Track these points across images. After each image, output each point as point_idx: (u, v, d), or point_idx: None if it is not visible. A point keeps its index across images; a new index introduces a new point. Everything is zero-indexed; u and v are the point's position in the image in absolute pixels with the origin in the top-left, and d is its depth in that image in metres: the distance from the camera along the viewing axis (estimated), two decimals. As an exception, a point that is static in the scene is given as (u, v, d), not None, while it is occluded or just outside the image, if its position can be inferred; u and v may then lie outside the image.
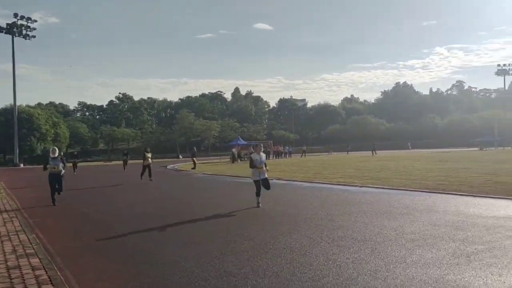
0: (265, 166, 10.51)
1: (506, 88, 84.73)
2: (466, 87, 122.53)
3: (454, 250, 5.62)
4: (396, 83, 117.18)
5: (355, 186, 14.57)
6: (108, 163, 59.97)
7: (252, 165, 10.28)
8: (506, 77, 73.36)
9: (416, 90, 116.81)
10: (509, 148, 62.03)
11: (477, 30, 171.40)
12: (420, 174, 17.69)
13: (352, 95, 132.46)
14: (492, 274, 4.54)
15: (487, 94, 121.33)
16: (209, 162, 45.55)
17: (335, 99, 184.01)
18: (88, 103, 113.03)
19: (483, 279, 4.40)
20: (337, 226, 7.59)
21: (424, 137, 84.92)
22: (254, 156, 10.39)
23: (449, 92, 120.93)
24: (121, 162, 33.68)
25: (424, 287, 4.25)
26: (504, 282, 4.29)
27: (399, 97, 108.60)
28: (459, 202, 9.99)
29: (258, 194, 10.30)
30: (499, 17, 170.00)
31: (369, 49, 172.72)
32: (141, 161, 20.88)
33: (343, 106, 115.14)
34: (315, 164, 32.08)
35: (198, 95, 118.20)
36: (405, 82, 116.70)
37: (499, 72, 72.22)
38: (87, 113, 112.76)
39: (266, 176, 10.46)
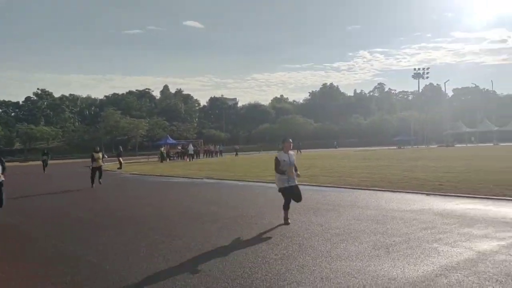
0: (295, 169, 7.77)
1: (421, 90, 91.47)
2: (386, 89, 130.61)
3: (375, 242, 5.94)
4: (323, 84, 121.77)
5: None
6: (24, 163, 55.80)
7: (278, 169, 7.45)
8: (421, 80, 79.05)
9: (342, 91, 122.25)
10: (423, 146, 67.11)
11: (396, 35, 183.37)
12: (345, 172, 18.52)
13: (281, 95, 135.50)
14: (408, 264, 4.86)
15: (405, 96, 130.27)
16: (136, 162, 44.15)
17: (265, 99, 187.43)
18: (2, 99, 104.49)
19: (401, 269, 4.69)
20: (266, 223, 7.70)
21: (349, 136, 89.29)
22: (281, 156, 7.53)
23: (371, 93, 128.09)
24: (40, 162, 31.49)
25: (348, 278, 4.45)
26: (418, 271, 4.61)
27: (326, 98, 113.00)
28: (380, 198, 10.59)
29: (286, 207, 7.61)
30: (415, 24, 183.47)
31: (298, 50, 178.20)
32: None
33: (273, 105, 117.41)
34: (247, 162, 32.38)
35: (125, 92, 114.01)
36: (331, 84, 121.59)
37: (415, 76, 77.73)
38: (0, 110, 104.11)
39: (296, 182, 7.74)
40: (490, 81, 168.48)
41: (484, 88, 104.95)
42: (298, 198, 7.62)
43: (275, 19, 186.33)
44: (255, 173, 19.93)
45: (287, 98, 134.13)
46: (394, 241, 5.99)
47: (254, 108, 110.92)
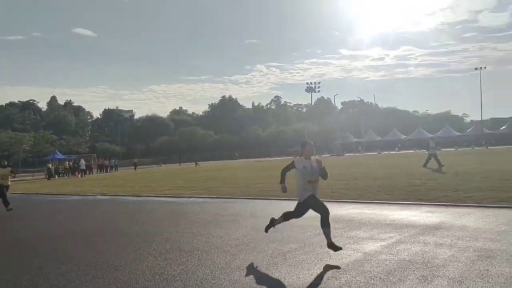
0: (324, 175, 5.99)
1: (313, 103, 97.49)
2: (282, 102, 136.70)
3: (273, 250, 6.09)
4: (222, 96, 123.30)
5: (183, 197, 14.66)
6: None
7: (284, 172, 6.12)
8: (313, 94, 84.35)
9: (241, 104, 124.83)
10: (317, 156, 71.33)
11: (290, 51, 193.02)
12: (245, 182, 18.84)
13: (180, 107, 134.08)
14: (303, 269, 5.06)
15: (299, 109, 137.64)
16: (19, 180, 40.06)
17: (163, 111, 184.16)
18: None
19: (296, 274, 4.86)
20: (165, 239, 7.46)
21: (249, 148, 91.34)
22: (300, 162, 5.93)
23: (268, 106, 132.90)
24: None
25: (247, 289, 4.48)
26: (312, 275, 4.83)
27: (225, 110, 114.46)
28: (278, 206, 10.91)
29: (288, 217, 6.22)
30: (306, 41, 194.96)
31: (196, 62, 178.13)
32: None
33: (172, 118, 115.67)
34: (143, 176, 31.27)
35: (4, 104, 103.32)
36: (230, 96, 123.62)
37: (307, 89, 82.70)
38: None
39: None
40: (373, 95, 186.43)
41: (368, 101, 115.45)
42: (326, 210, 5.72)
43: (171, 30, 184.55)
44: (152, 188, 19.33)
45: (186, 110, 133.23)
46: (290, 248, 6.21)
47: (152, 120, 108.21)
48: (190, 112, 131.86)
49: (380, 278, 4.57)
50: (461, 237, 6.30)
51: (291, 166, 5.99)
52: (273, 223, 6.42)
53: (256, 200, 12.49)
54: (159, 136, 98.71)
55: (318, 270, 5.01)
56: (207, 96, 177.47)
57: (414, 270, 4.78)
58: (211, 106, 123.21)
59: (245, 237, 7.16)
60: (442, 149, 54.47)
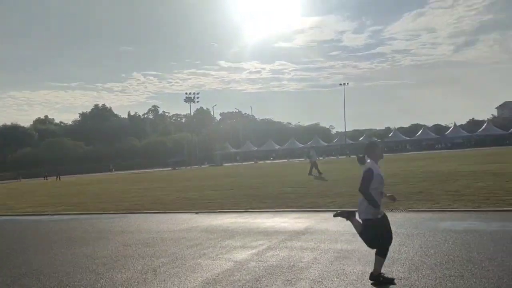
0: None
1: (192, 114, 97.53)
2: (160, 112, 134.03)
3: (143, 266, 5.85)
4: (95, 105, 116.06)
5: (47, 215, 13.34)
6: None
7: (370, 194, 4.39)
8: (192, 104, 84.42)
9: (115, 113, 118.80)
10: (196, 166, 71.26)
11: (168, 60, 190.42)
12: (117, 196, 17.90)
13: (46, 116, 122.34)
14: (173, 283, 4.95)
15: (178, 119, 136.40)
16: None
17: (26, 119, 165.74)
18: None
19: (166, 290, 4.73)
20: (20, 262, 6.66)
21: (125, 159, 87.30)
22: (376, 169, 4.51)
23: (146, 115, 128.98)
24: None
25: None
26: (182, 289, 4.75)
27: (98, 119, 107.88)
28: (151, 220, 10.59)
29: (383, 253, 4.50)
30: (185, 51, 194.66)
31: (65, 68, 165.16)
32: None
33: (36, 127, 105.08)
34: None
35: None
36: (104, 105, 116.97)
37: (186, 100, 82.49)
38: None
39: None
40: (250, 106, 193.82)
41: (245, 113, 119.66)
42: (390, 239, 4.60)
43: (37, 31, 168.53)
44: (8, 206, 17.23)
45: (53, 119, 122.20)
46: (162, 262, 6.03)
47: (12, 130, 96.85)
48: (57, 121, 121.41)
49: (249, 285, 4.68)
50: (323, 241, 6.82)
51: (370, 177, 4.46)
52: (379, 275, 4.50)
53: (129, 215, 11.93)
54: (20, 148, 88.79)
55: (189, 282, 4.94)
56: (77, 104, 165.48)
57: (280, 275, 5.01)
58: (82, 115, 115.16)
59: (114, 254, 6.76)
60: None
